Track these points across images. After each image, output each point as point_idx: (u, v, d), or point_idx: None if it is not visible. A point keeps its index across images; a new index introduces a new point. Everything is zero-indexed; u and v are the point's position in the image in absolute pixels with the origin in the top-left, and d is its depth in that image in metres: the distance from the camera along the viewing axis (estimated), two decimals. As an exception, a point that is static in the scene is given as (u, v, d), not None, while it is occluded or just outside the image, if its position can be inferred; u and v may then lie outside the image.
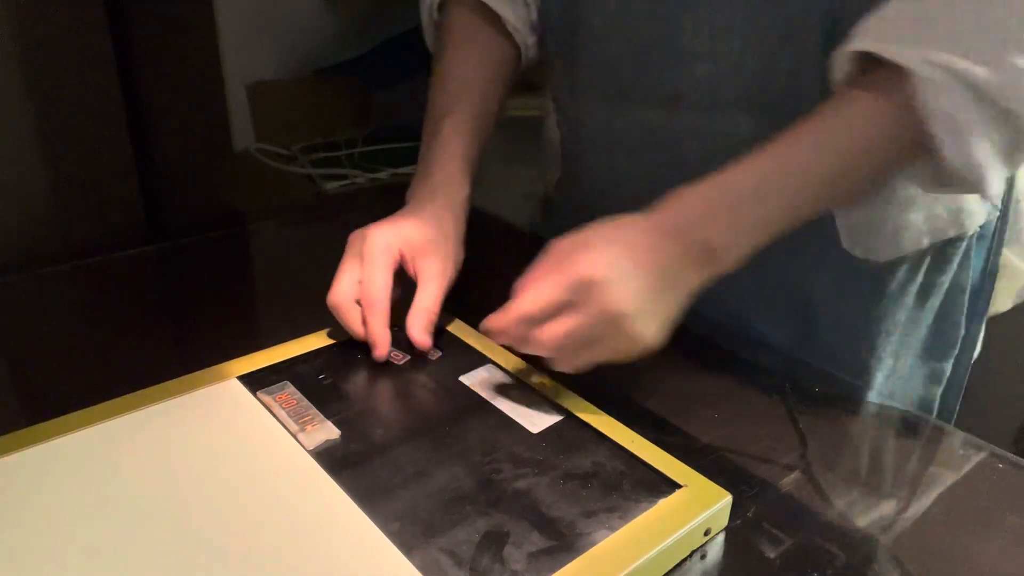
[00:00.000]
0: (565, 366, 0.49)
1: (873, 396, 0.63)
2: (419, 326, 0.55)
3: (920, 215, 0.61)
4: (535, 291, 0.47)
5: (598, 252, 0.47)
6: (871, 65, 0.48)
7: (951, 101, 0.46)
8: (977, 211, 0.63)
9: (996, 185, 0.49)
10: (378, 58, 1.47)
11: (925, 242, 0.62)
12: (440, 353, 0.57)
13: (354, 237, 0.57)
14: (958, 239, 0.64)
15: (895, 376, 0.68)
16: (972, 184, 0.48)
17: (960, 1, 0.46)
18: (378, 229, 0.57)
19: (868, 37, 0.48)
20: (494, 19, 0.70)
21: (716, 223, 0.48)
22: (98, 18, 1.00)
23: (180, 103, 1.12)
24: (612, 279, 0.46)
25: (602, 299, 0.46)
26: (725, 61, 0.60)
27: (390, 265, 0.56)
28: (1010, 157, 0.48)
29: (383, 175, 1.37)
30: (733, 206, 0.49)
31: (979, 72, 0.45)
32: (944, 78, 0.45)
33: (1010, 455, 0.53)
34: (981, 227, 0.65)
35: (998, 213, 0.67)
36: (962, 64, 0.45)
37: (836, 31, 0.55)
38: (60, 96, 1.00)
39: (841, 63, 0.51)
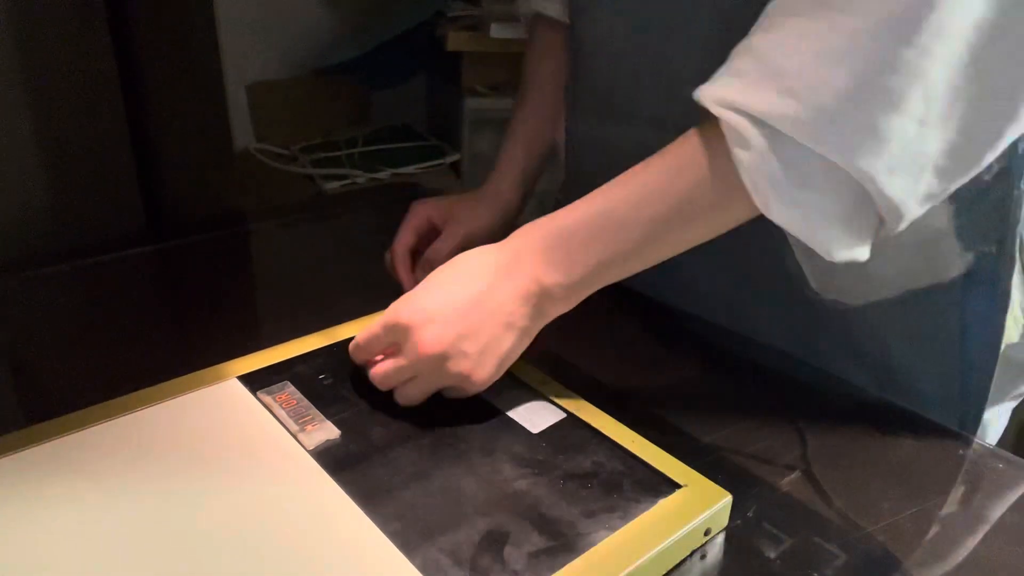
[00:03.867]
0: (402, 399, 0.50)
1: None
2: (421, 269, 0.68)
3: (887, 262, 0.56)
4: (367, 328, 0.51)
5: (416, 296, 0.49)
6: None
7: (754, 150, 0.43)
8: (954, 260, 0.57)
9: (838, 248, 0.44)
10: (378, 58, 1.47)
11: (897, 289, 0.58)
12: None
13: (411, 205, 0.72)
14: (938, 286, 0.59)
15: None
16: (815, 245, 0.44)
17: (780, 42, 0.43)
18: (420, 200, 0.71)
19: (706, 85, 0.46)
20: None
21: (545, 259, 0.49)
22: (98, 18, 1.00)
23: (180, 103, 1.12)
24: (421, 323, 0.48)
25: (414, 342, 0.48)
26: None
27: (415, 227, 0.69)
28: (847, 218, 0.44)
29: (383, 175, 1.37)
30: (562, 244, 0.49)
31: (781, 113, 0.42)
32: (745, 124, 0.43)
33: (1010, 455, 0.53)
34: (969, 274, 0.58)
35: (993, 256, 0.58)
36: (761, 106, 0.42)
37: None
38: (60, 96, 0.99)
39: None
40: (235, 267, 0.79)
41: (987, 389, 0.60)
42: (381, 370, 0.50)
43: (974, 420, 0.61)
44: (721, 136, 0.45)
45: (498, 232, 0.70)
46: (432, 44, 1.46)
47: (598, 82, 0.67)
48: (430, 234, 0.70)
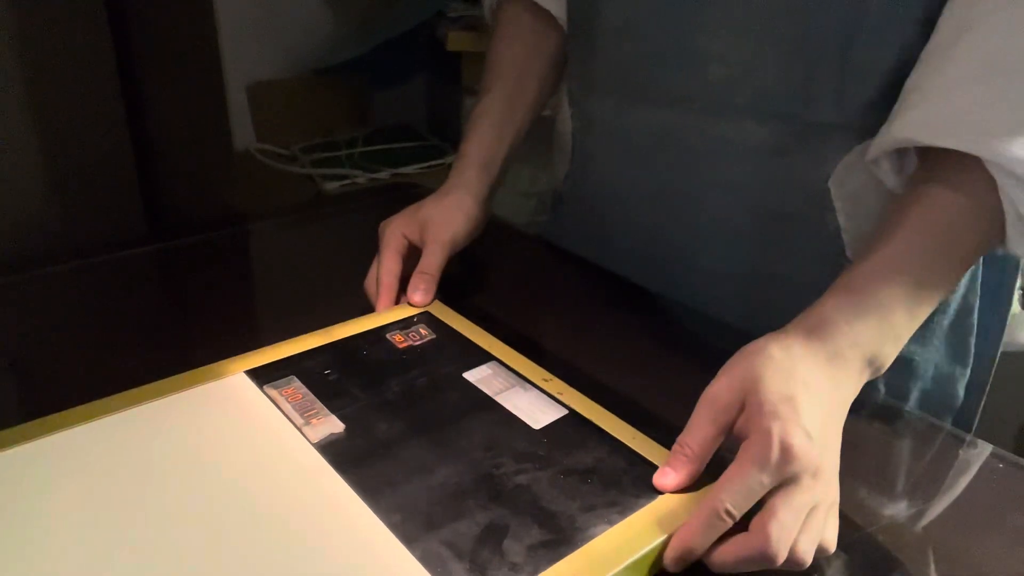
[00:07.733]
0: (799, 555, 0.40)
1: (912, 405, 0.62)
2: (416, 287, 0.61)
3: None
4: (736, 482, 0.40)
5: (797, 419, 0.41)
6: (927, 154, 0.49)
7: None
8: None
9: None
10: (378, 58, 1.47)
11: None
12: (433, 336, 0.58)
13: (379, 229, 0.66)
14: None
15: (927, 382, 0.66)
16: None
17: (1013, 88, 0.46)
18: (391, 220, 0.65)
19: (932, 129, 0.49)
20: (544, 15, 0.74)
21: (867, 338, 0.46)
22: (98, 18, 1.00)
23: (180, 103, 1.12)
24: (809, 452, 0.41)
25: (812, 472, 0.41)
26: (738, 64, 0.59)
27: (397, 250, 0.63)
28: None
29: (383, 175, 1.38)
30: (877, 316, 0.47)
31: None
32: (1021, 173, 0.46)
33: (1010, 455, 0.53)
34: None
35: None
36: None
37: (852, 45, 0.55)
38: (60, 96, 1.00)
39: (887, 146, 0.51)
40: (235, 267, 0.79)
41: (995, 354, 0.61)
42: (787, 504, 0.40)
43: (979, 389, 0.62)
44: (976, 183, 0.47)
45: (477, 224, 0.68)
46: (432, 44, 1.47)
47: (620, 64, 0.67)
48: (410, 253, 0.65)
